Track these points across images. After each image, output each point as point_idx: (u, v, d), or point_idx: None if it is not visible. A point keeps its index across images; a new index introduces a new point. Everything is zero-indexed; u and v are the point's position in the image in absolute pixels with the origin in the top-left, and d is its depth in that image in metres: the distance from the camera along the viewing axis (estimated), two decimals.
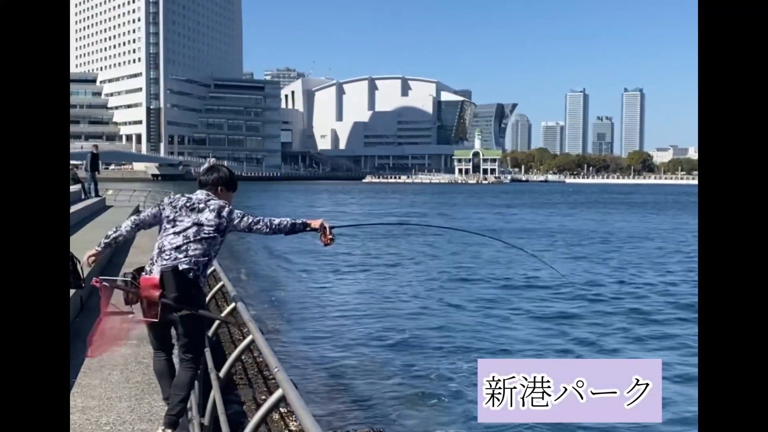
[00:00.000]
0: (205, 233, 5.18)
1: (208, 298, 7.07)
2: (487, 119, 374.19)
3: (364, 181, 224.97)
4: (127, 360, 7.35)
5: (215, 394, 5.36)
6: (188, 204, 5.26)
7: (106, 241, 5.31)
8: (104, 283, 5.13)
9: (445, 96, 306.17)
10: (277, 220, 5.41)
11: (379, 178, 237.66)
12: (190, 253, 5.10)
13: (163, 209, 5.32)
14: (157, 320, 5.02)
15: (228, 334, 11.08)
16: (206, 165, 6.52)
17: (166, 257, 5.06)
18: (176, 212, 5.23)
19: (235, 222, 5.28)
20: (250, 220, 5.32)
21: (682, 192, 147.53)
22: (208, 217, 5.19)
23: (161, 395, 5.57)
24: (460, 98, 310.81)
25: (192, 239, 5.14)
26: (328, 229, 5.44)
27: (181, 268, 5.01)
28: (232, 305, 6.16)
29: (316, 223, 5.47)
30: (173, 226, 5.19)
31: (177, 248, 5.08)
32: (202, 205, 5.24)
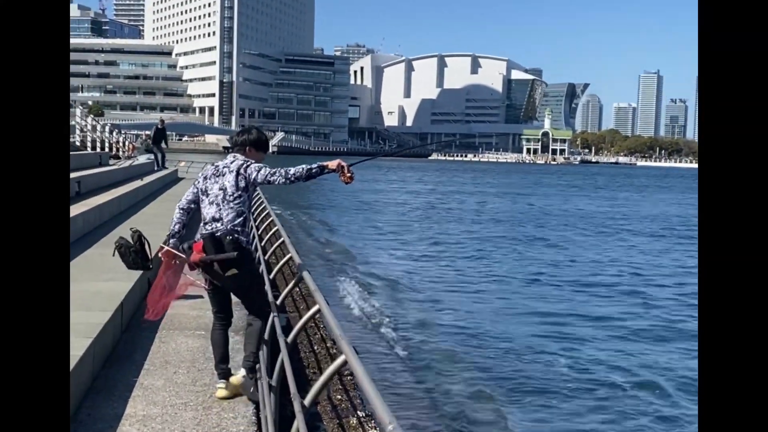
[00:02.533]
0: (230, 195, 5.48)
1: (275, 272, 7.75)
2: (557, 99, 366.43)
3: (430, 158, 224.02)
4: (195, 355, 6.92)
5: (283, 356, 5.64)
6: (215, 171, 5.62)
7: (172, 240, 5.76)
8: (166, 248, 5.75)
9: (516, 74, 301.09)
10: (292, 170, 5.45)
11: (445, 155, 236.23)
12: (225, 219, 5.46)
13: (197, 182, 5.74)
14: (205, 286, 5.62)
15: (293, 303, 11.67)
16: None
17: (208, 227, 5.57)
18: (207, 182, 5.63)
19: (253, 176, 5.47)
20: (267, 172, 5.44)
21: None
22: (229, 179, 5.49)
23: (213, 359, 5.84)
24: (531, 77, 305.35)
25: (221, 205, 5.49)
26: (346, 168, 5.51)
27: (217, 234, 5.42)
28: (299, 275, 6.48)
29: (333, 164, 5.50)
30: (207, 196, 5.60)
31: (213, 218, 5.57)
32: (225, 170, 5.56)
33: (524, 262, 24.11)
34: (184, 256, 5.71)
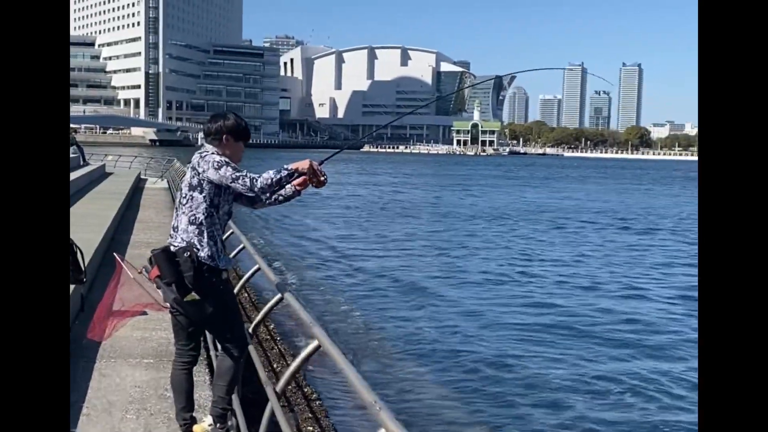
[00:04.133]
0: (183, 198, 4.52)
1: (237, 287, 6.61)
2: (485, 91, 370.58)
3: (362, 150, 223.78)
4: (144, 392, 5.88)
5: (275, 409, 4.36)
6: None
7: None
8: (123, 261, 4.77)
9: (445, 66, 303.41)
10: (259, 179, 4.32)
11: (377, 147, 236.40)
12: (179, 227, 4.51)
13: None
14: (166, 307, 4.56)
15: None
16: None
17: (168, 239, 4.57)
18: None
19: (207, 172, 4.39)
20: (228, 172, 4.33)
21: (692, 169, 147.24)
22: (187, 177, 4.57)
23: (175, 406, 4.83)
24: (460, 69, 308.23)
25: (179, 211, 4.55)
26: (318, 170, 4.48)
27: (172, 248, 4.44)
28: (278, 296, 5.40)
29: (304, 165, 4.45)
30: None
31: (172, 226, 4.59)
32: (189, 164, 4.61)
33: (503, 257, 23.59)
34: (140, 269, 4.64)
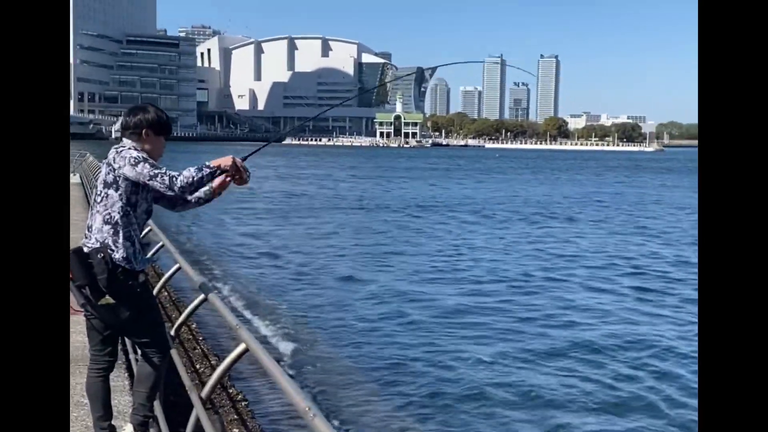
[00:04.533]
0: (98, 195, 4.28)
1: (157, 288, 6.33)
2: (407, 83, 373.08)
3: (284, 142, 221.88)
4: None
5: (201, 416, 4.18)
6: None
7: None
8: None
9: (366, 58, 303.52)
10: (179, 177, 4.07)
11: (299, 140, 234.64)
12: (93, 226, 4.25)
13: None
14: (79, 311, 4.27)
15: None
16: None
17: (86, 239, 4.30)
18: None
19: (123, 169, 4.13)
20: (145, 169, 4.09)
21: (610, 157, 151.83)
22: (102, 174, 4.31)
23: (92, 415, 4.54)
24: (382, 60, 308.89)
25: (93, 210, 4.31)
26: (240, 166, 4.27)
27: (85, 249, 4.20)
28: (200, 297, 5.17)
29: (226, 162, 4.24)
30: None
31: (88, 226, 4.33)
32: (104, 166, 4.35)
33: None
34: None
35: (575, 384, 10.32)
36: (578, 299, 16.35)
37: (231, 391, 8.36)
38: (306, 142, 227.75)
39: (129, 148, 4.24)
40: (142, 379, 4.50)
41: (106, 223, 4.21)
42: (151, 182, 4.12)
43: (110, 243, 4.19)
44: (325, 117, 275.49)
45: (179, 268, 6.23)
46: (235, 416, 7.58)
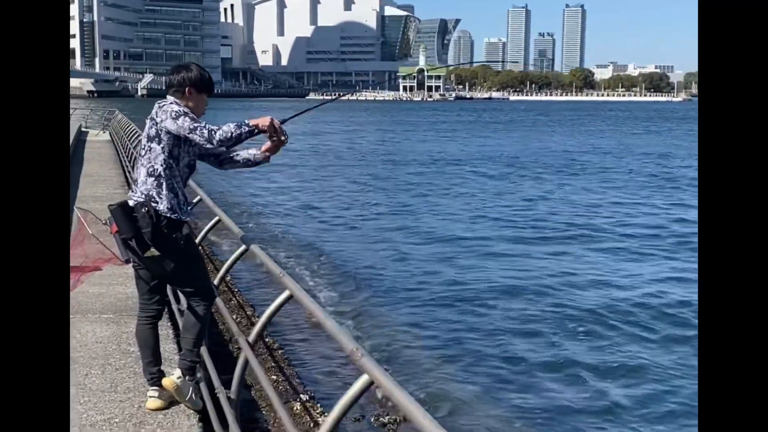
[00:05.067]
0: (142, 149, 4.45)
1: (198, 240, 6.48)
2: (430, 35, 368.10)
3: (307, 98, 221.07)
4: (107, 348, 5.84)
5: (250, 359, 4.28)
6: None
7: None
8: (85, 212, 4.71)
9: (389, 11, 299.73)
10: (218, 131, 4.23)
11: (322, 95, 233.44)
12: (138, 180, 4.43)
13: None
14: (127, 262, 4.50)
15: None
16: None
17: (132, 192, 4.50)
18: None
19: (165, 122, 4.28)
20: (186, 123, 4.24)
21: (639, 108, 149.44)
22: (146, 128, 4.45)
23: (141, 361, 4.78)
24: (404, 13, 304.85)
25: (138, 164, 4.49)
26: (279, 128, 4.41)
27: (131, 202, 4.35)
28: (242, 248, 5.30)
29: (264, 122, 4.36)
30: None
31: (135, 180, 4.52)
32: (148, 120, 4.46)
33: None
34: (105, 221, 4.52)
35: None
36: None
37: (267, 340, 8.62)
38: (330, 97, 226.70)
39: (171, 103, 4.40)
40: (188, 326, 4.69)
41: (149, 175, 4.35)
42: (191, 135, 4.24)
43: (154, 195, 4.33)
44: (347, 71, 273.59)
45: (219, 221, 6.40)
46: (273, 364, 7.84)
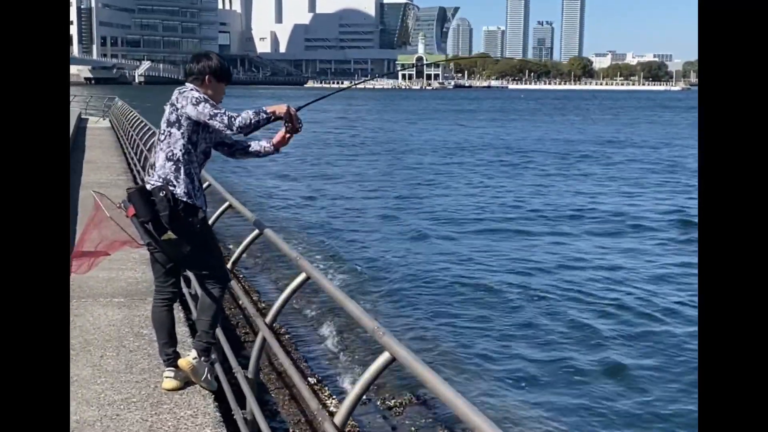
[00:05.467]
0: (161, 134, 4.52)
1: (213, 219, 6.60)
2: (429, 23, 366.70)
3: (305, 86, 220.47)
4: (120, 331, 5.90)
5: (269, 339, 4.46)
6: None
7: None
8: (102, 196, 4.75)
9: None
10: (238, 118, 4.34)
11: (321, 83, 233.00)
12: (156, 164, 4.49)
13: None
14: (141, 244, 4.61)
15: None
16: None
17: (149, 176, 4.55)
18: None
19: (186, 108, 4.38)
20: (206, 109, 4.34)
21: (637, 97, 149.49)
22: (165, 113, 4.53)
23: (157, 342, 4.87)
24: (403, 0, 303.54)
25: (157, 148, 4.55)
26: (294, 116, 4.57)
27: (149, 186, 4.44)
28: (255, 232, 5.40)
29: (281, 110, 4.53)
30: None
31: (152, 164, 4.56)
32: (167, 106, 4.55)
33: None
34: (119, 205, 4.59)
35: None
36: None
37: (275, 325, 8.71)
38: (328, 85, 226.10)
39: (192, 89, 4.49)
40: (204, 308, 4.78)
41: (168, 159, 4.44)
42: (211, 121, 4.34)
43: (172, 179, 4.42)
44: (346, 59, 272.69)
45: (229, 206, 6.47)
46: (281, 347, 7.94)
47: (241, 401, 4.60)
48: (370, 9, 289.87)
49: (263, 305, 9.14)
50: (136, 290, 7.13)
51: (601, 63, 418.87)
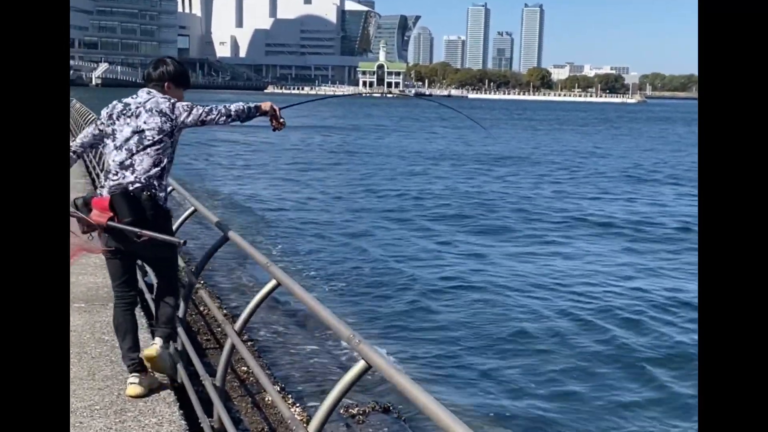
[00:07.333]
0: (148, 140, 4.51)
1: (178, 223, 6.55)
2: (390, 31, 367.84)
3: (266, 91, 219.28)
4: (81, 336, 5.78)
5: (238, 347, 4.33)
6: (125, 110, 4.60)
7: None
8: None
9: (349, 5, 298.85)
10: (233, 107, 4.71)
11: (281, 88, 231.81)
12: (138, 168, 4.48)
13: (100, 123, 4.72)
14: (102, 249, 4.56)
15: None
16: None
17: (114, 177, 4.52)
18: (113, 123, 4.62)
19: (182, 117, 4.58)
20: (200, 112, 4.60)
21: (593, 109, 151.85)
22: (146, 120, 4.52)
23: (120, 348, 4.81)
24: (365, 8, 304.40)
25: (135, 151, 4.50)
26: (278, 112, 4.92)
27: (131, 188, 4.45)
28: (221, 237, 5.29)
29: (266, 106, 4.87)
30: (113, 140, 4.60)
31: (121, 165, 4.51)
32: (140, 109, 4.56)
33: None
34: (79, 213, 4.50)
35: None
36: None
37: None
38: (288, 91, 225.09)
39: (174, 100, 4.67)
40: (164, 304, 4.85)
41: (155, 166, 4.55)
42: (208, 117, 4.62)
43: (155, 183, 4.56)
44: (307, 65, 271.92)
45: (194, 211, 6.39)
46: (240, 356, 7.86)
47: (207, 409, 4.54)
48: (332, 15, 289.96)
49: (224, 312, 9.04)
50: (96, 295, 7.01)
51: (559, 74, 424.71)
